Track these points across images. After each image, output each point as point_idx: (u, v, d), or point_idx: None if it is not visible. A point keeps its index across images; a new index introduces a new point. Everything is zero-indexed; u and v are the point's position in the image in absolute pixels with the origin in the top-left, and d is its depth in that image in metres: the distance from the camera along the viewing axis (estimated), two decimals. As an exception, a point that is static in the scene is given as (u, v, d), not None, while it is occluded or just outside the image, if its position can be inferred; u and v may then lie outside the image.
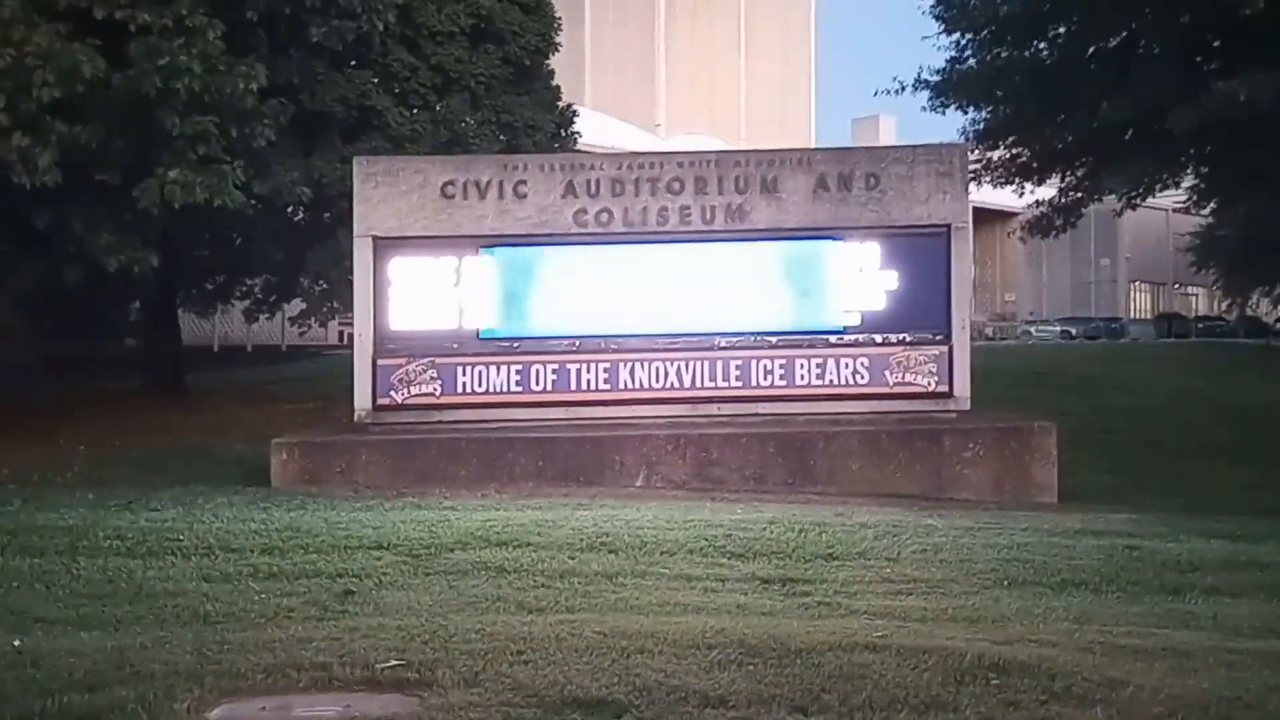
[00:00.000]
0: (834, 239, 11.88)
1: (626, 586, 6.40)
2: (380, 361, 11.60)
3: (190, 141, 12.21)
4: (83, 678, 4.45)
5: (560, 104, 21.18)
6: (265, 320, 25.37)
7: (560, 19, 21.17)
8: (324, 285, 19.32)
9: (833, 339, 11.82)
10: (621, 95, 67.24)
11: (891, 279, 11.79)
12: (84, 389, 22.69)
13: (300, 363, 27.66)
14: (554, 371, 11.65)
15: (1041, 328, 57.58)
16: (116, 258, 12.91)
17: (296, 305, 22.42)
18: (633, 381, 11.70)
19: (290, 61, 14.43)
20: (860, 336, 11.82)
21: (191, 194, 12.11)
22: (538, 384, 11.63)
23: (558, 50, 21.12)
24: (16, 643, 5.02)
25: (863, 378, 11.76)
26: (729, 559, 7.20)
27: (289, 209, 16.85)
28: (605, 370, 11.69)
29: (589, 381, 11.67)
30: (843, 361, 11.77)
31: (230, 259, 19.32)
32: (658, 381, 11.72)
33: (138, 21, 11.85)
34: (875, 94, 54.53)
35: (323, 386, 18.66)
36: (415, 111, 17.09)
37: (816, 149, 22.91)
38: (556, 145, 19.96)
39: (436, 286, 11.69)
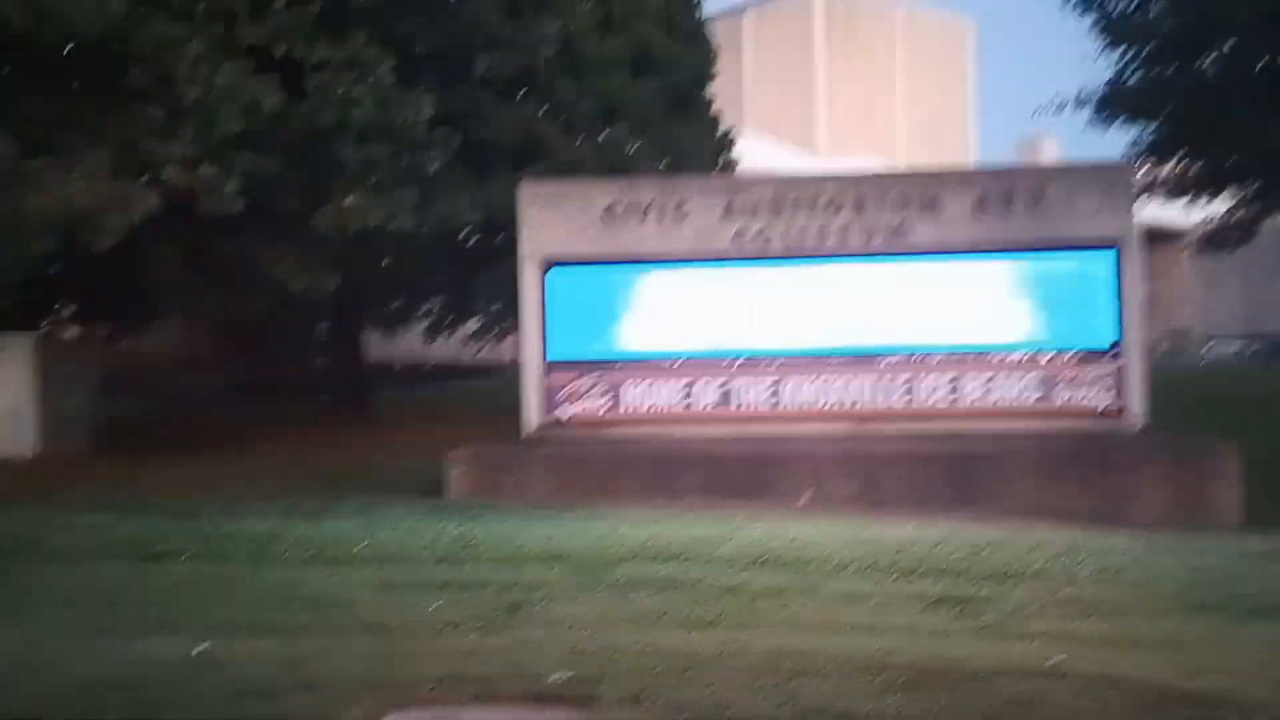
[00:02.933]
0: (998, 256, 11.39)
1: (792, 604, 6.15)
2: (548, 379, 11.66)
3: (364, 169, 12.59)
4: (260, 684, 4.49)
5: (720, 129, 21.10)
6: (444, 340, 26.02)
7: (718, 47, 21.11)
8: (497, 306, 19.67)
9: (1000, 356, 11.30)
10: (780, 119, 66.83)
11: (1058, 296, 11.24)
12: (273, 409, 23.70)
13: (476, 380, 28.21)
14: (718, 389, 11.51)
15: (1219, 344, 54.32)
16: (298, 282, 13.40)
17: (473, 325, 22.92)
18: (795, 398, 11.45)
19: (458, 93, 14.76)
20: (1028, 354, 11.27)
21: (366, 219, 12.48)
22: (702, 401, 11.51)
23: (715, 78, 21.07)
24: (202, 647, 5.12)
25: (1032, 396, 11.22)
26: (898, 577, 6.86)
27: (460, 233, 17.23)
28: (768, 387, 11.48)
29: (752, 398, 11.48)
30: (1011, 379, 11.25)
31: (408, 282, 19.88)
32: (820, 399, 11.44)
33: (315, 57, 12.30)
34: (1034, 113, 53.20)
35: (497, 402, 18.90)
36: (580, 139, 17.25)
37: (977, 168, 22.14)
38: (716, 169, 19.88)
39: (600, 306, 11.70)
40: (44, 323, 19.87)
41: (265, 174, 12.36)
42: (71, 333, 22.31)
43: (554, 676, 4.43)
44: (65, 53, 12.25)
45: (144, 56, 11.89)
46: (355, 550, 7.69)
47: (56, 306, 20.53)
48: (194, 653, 5.05)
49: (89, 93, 12.45)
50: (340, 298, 16.45)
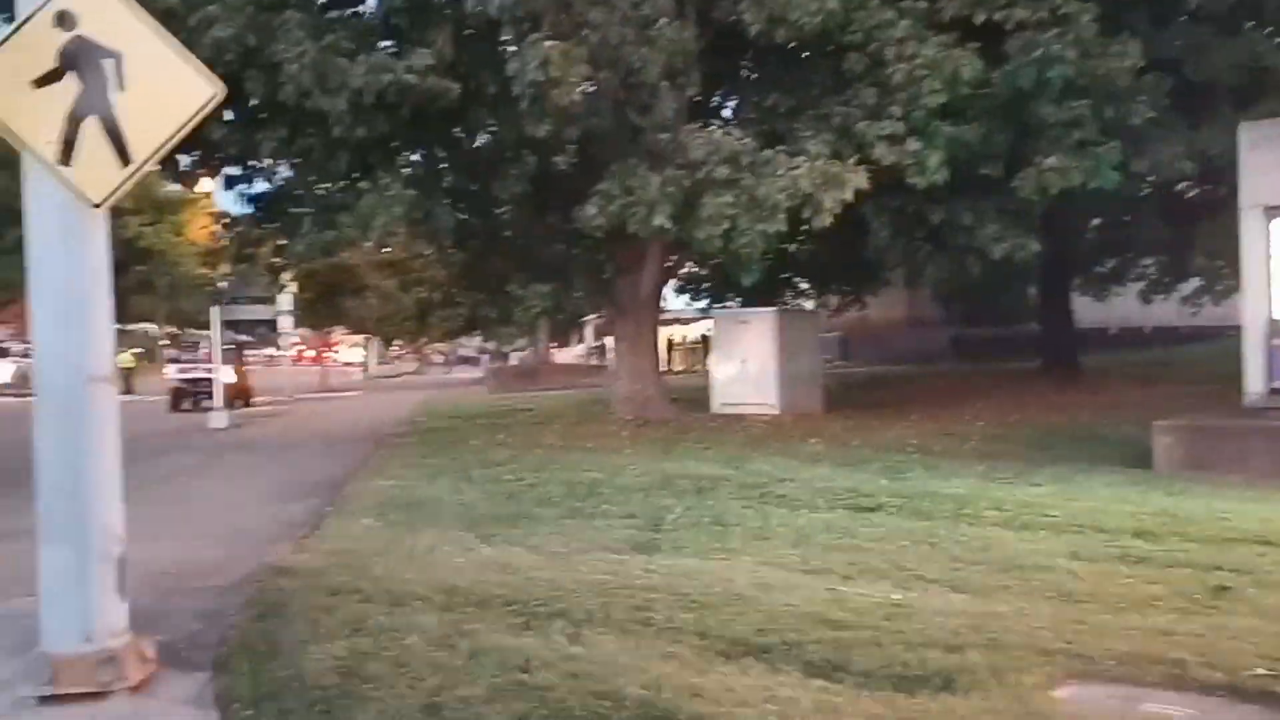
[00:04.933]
0: None
1: None
2: (1276, 342, 10.19)
3: (1066, 127, 12.05)
4: (944, 637, 4.59)
5: None
6: (1162, 302, 24.03)
7: None
8: (1219, 263, 17.64)
9: None
10: None
11: None
12: (986, 370, 23.78)
13: (1197, 345, 25.64)
14: None
15: None
16: (1000, 246, 13.26)
17: (1191, 285, 20.87)
18: None
19: (1169, 33, 13.42)
20: None
21: (1067, 179, 11.95)
22: None
23: None
24: (897, 596, 5.38)
25: None
26: None
27: (1174, 186, 15.71)
28: None
29: None
30: None
31: (1117, 242, 18.67)
32: None
33: (1014, 19, 12.02)
34: None
35: (1216, 369, 17.03)
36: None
37: None
38: None
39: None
40: (784, 296, 22.07)
41: (965, 143, 12.42)
42: (806, 304, 24.56)
43: (1254, 670, 3.93)
44: (792, 49, 13.46)
45: (857, 44, 12.60)
46: (1051, 516, 7.48)
47: (794, 280, 22.70)
48: (890, 599, 5.32)
49: (812, 84, 13.53)
50: (1047, 260, 15.95)
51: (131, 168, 4.24)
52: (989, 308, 30.69)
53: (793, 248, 17.54)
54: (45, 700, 4.03)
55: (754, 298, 19.01)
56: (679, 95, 12.01)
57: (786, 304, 21.68)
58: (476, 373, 50.23)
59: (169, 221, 54.89)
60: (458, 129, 13.71)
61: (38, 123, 4.11)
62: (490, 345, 61.72)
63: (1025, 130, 12.75)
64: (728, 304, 22.36)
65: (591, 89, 11.78)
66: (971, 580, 5.80)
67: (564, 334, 50.65)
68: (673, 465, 10.83)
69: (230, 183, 14.86)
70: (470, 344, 68.37)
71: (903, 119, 12.42)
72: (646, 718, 3.67)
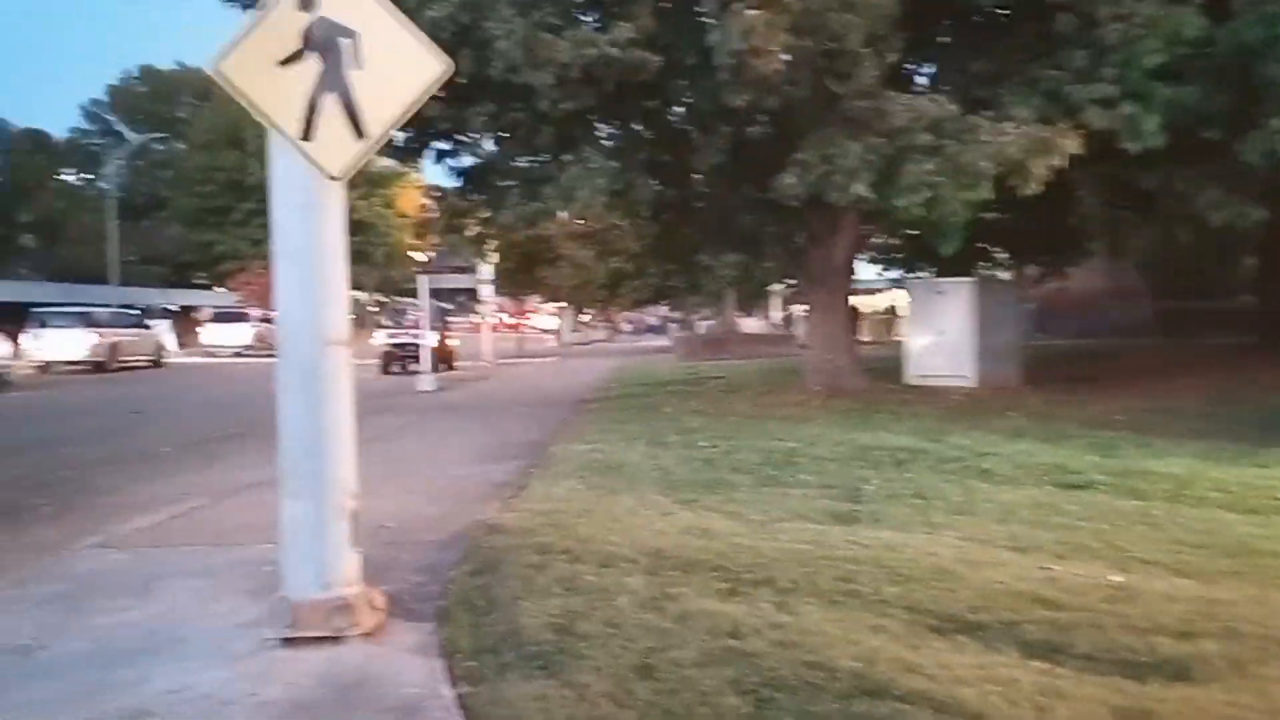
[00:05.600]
0: None
1: None
2: None
3: (1297, 88, 11.04)
4: (1173, 624, 4.30)
5: None
6: None
7: None
8: None
9: None
10: None
11: None
12: (1195, 345, 22.27)
13: None
14: None
15: None
16: (1219, 214, 12.31)
17: None
18: None
19: None
20: None
21: (1295, 142, 10.95)
22: None
23: None
24: (1115, 578, 5.07)
25: None
26: None
27: None
28: None
29: None
30: None
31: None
32: None
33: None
34: None
35: None
36: None
37: None
38: None
39: None
40: (980, 266, 21.24)
41: (1185, 105, 11.56)
42: (1004, 274, 23.57)
43: None
44: (995, 13, 12.81)
45: (1067, 3, 11.89)
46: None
47: (991, 251, 21.80)
48: (1108, 580, 5.03)
49: (1019, 47, 12.86)
50: (1269, 230, 14.72)
51: (366, 142, 4.39)
52: (1197, 280, 28.73)
53: (991, 217, 16.83)
54: (286, 642, 4.27)
55: (948, 268, 18.36)
56: (880, 61, 11.61)
57: (982, 274, 20.86)
58: (664, 341, 50.65)
59: (380, 195, 57.71)
60: (655, 101, 13.71)
61: (282, 101, 4.31)
62: (677, 314, 62.14)
63: (1250, 91, 11.74)
64: (920, 274, 21.70)
65: (788, 58, 11.52)
66: (1196, 564, 5.41)
67: (750, 303, 50.41)
68: (867, 436, 10.59)
69: (439, 157, 15.36)
70: (656, 312, 69.04)
71: (1116, 81, 11.65)
72: (861, 691, 3.58)
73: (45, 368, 29.23)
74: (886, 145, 11.48)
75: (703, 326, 52.40)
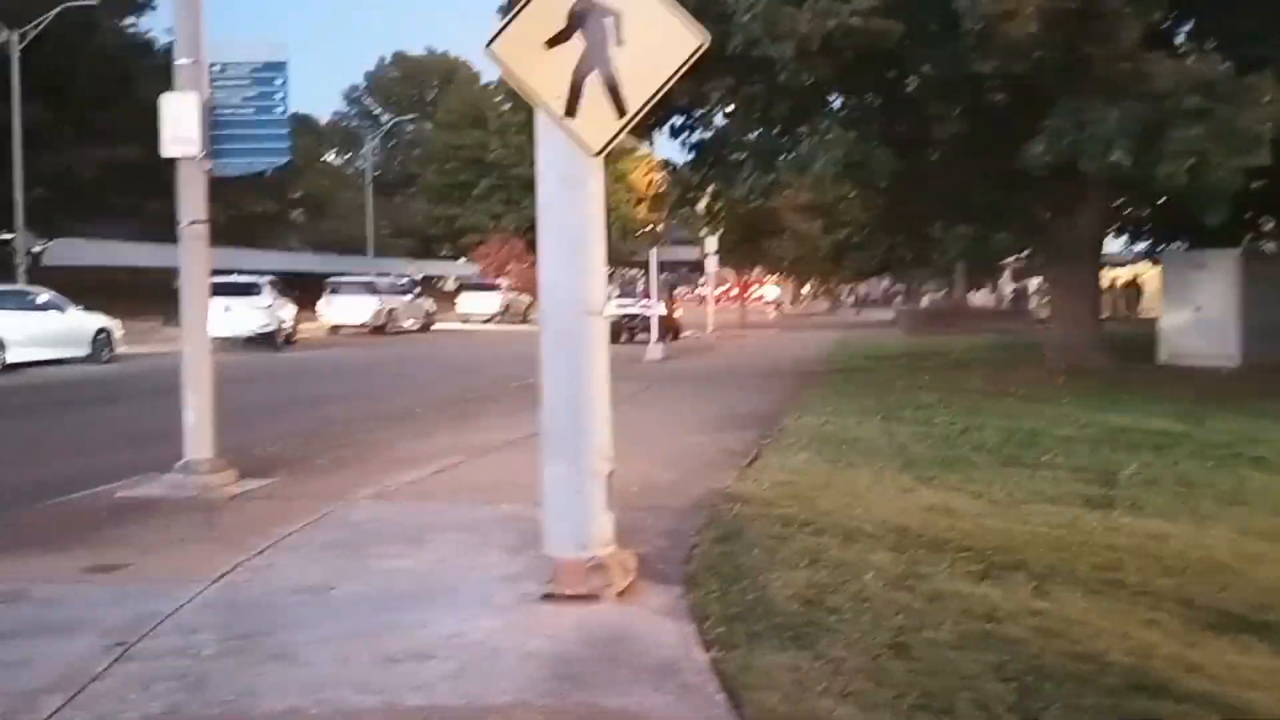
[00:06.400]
0: None
1: None
2: None
3: None
4: None
5: None
6: None
7: None
8: None
9: None
10: None
11: None
12: None
13: None
14: None
15: None
16: None
17: None
18: None
19: None
20: None
21: None
22: None
23: None
24: None
25: None
26: None
27: None
28: None
29: None
30: None
31: None
32: None
33: None
34: None
35: None
36: None
37: None
38: None
39: None
40: (1246, 237, 19.49)
41: None
42: (1272, 246, 21.50)
43: None
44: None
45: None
46: None
47: (1258, 220, 19.96)
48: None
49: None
50: None
51: (626, 118, 4.45)
52: None
53: (1258, 185, 15.35)
54: (547, 597, 4.43)
55: (1207, 239, 16.90)
56: (1143, 22, 10.74)
57: (1252, 246, 19.12)
58: (887, 314, 49.36)
59: (612, 169, 58.89)
60: (893, 71, 13.25)
61: (548, 80, 4.43)
62: (901, 287, 60.34)
63: None
64: (1172, 247, 20.10)
65: (1041, 21, 10.82)
66: None
67: (979, 277, 48.36)
68: (1119, 418, 9.94)
69: (675, 132, 15.44)
70: (879, 285, 67.32)
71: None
72: (1135, 687, 3.36)
73: (335, 330, 33.08)
74: (1148, 110, 10.65)
75: (928, 300, 50.76)
